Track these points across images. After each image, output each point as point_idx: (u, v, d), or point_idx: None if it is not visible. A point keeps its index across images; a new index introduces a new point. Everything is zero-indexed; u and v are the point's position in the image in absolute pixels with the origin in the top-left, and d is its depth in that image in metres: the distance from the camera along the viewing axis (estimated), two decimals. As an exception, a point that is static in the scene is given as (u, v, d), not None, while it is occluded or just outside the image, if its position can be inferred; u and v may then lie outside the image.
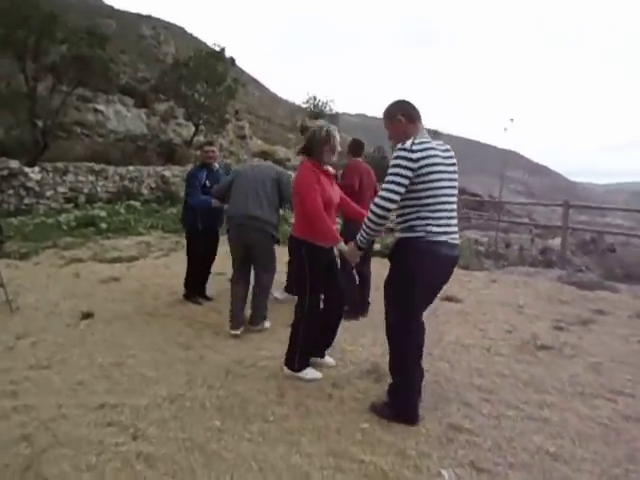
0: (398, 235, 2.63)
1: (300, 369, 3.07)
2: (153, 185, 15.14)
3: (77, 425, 2.50)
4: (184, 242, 8.84)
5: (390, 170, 2.50)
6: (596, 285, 6.00)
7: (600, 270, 7.10)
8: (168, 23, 49.45)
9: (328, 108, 24.57)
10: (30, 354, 3.48)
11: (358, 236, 2.69)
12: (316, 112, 24.50)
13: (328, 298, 3.18)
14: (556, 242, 13.44)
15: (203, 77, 16.94)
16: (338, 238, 2.95)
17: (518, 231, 15.48)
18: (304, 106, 26.19)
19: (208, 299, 5.02)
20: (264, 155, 20.92)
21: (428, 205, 2.50)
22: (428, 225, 2.49)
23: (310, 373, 3.09)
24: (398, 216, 2.61)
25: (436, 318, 4.53)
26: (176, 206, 13.99)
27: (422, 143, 2.47)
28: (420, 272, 2.52)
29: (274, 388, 2.94)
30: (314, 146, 3.05)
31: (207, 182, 4.69)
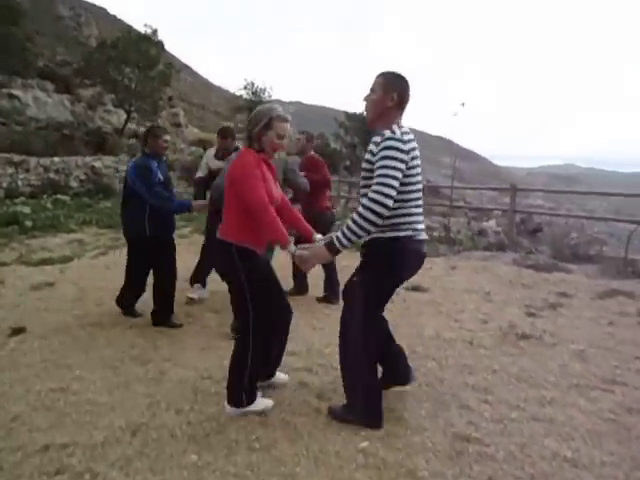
0: (378, 234, 2.29)
1: (249, 403, 2.47)
2: (83, 177, 13.98)
3: (16, 477, 2.02)
4: (124, 238, 8.17)
5: (384, 162, 2.18)
6: (552, 267, 6.09)
7: (550, 251, 7.26)
8: (88, 3, 46.10)
9: (267, 95, 23.87)
10: (-53, 385, 2.88)
11: (338, 237, 2.23)
12: (253, 99, 23.73)
13: (274, 313, 2.56)
14: (490, 224, 13.93)
15: (133, 61, 15.77)
16: (288, 238, 2.37)
17: (454, 214, 15.89)
18: (240, 92, 25.29)
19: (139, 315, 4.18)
20: (202, 144, 20.00)
21: (412, 200, 2.31)
22: (414, 223, 2.33)
23: (260, 404, 2.50)
24: None
25: (407, 310, 4.36)
26: (110, 199, 13.02)
27: (408, 133, 2.29)
28: (405, 273, 2.44)
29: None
30: (256, 131, 2.44)
31: (160, 177, 3.92)
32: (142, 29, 18.08)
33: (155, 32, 15.72)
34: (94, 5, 47.55)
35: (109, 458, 2.15)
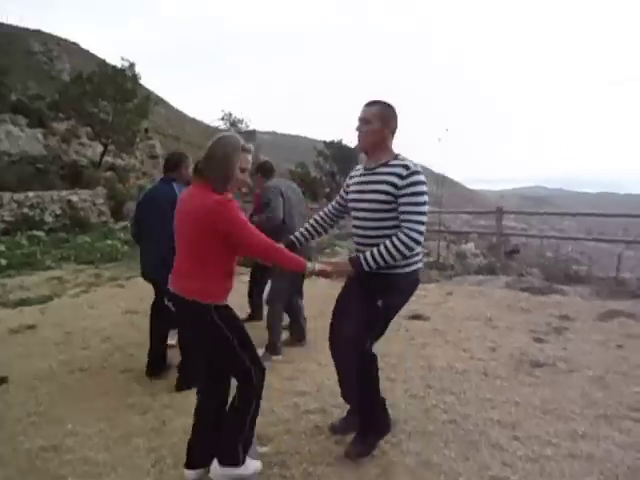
0: (398, 269, 2.28)
1: (244, 461, 2.17)
2: (58, 212, 13.54)
3: None
4: (105, 274, 7.84)
5: (418, 199, 2.21)
6: (546, 289, 6.07)
7: (542, 274, 7.26)
8: (60, 38, 46.06)
9: (245, 124, 23.98)
10: None
11: (366, 257, 2.21)
12: (231, 130, 23.81)
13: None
14: (469, 246, 14.06)
15: (109, 94, 15.60)
16: (304, 261, 2.23)
17: (432, 238, 16.03)
18: (217, 123, 25.36)
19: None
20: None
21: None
22: (419, 254, 2.37)
23: (251, 465, 2.20)
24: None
25: (412, 340, 4.22)
26: (87, 233, 12.63)
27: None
28: (405, 302, 2.44)
29: (271, 456, 2.37)
30: (223, 172, 2.09)
31: None
32: (116, 63, 18.10)
33: (132, 65, 15.67)
34: (66, 40, 47.53)
35: (116, 528, 1.91)
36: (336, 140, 21.40)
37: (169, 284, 2.18)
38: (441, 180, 8.13)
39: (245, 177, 2.19)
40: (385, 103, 2.34)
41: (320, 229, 2.62)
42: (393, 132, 2.35)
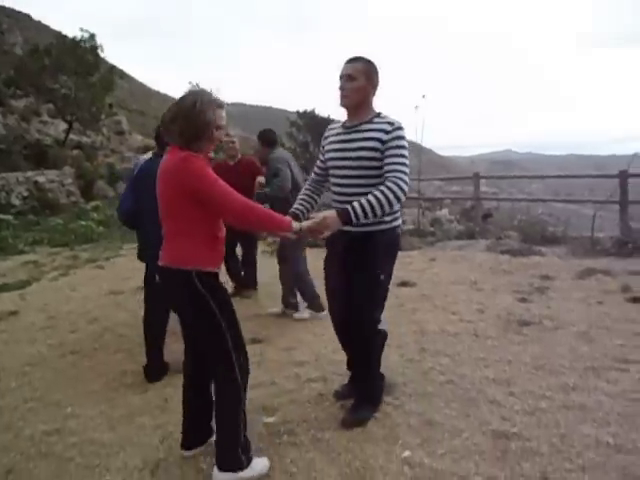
0: (381, 225, 2.30)
1: (249, 462, 2.01)
2: (25, 194, 13.04)
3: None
4: (83, 256, 7.72)
5: (401, 151, 2.22)
6: (526, 251, 6.24)
7: (519, 237, 7.44)
8: (10, 9, 43.31)
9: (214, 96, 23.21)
10: None
11: (355, 209, 2.10)
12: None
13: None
14: (443, 212, 14.28)
15: (70, 68, 14.84)
16: (288, 219, 2.10)
17: (407, 205, 16.21)
18: (185, 96, 24.44)
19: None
20: (150, 150, 19.24)
21: None
22: (399, 209, 2.42)
23: (258, 464, 2.03)
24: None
25: (402, 307, 4.30)
26: (58, 215, 12.24)
27: None
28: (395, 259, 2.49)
29: (279, 425, 2.41)
30: (195, 128, 1.92)
31: None
32: (75, 34, 17.12)
33: (92, 36, 14.88)
34: (17, 11, 44.74)
35: (134, 505, 1.93)
36: (309, 110, 21.04)
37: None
38: (419, 148, 8.14)
39: (221, 135, 2.04)
40: (367, 59, 2.31)
41: (311, 200, 2.58)
42: (375, 88, 2.34)
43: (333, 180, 2.40)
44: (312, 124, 20.41)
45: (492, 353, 3.14)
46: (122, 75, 21.16)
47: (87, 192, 15.15)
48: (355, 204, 2.12)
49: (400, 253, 6.94)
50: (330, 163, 2.40)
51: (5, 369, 3.36)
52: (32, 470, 2.20)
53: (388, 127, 2.22)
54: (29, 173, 13.56)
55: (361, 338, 2.43)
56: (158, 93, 54.11)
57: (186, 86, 25.52)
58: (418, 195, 9.82)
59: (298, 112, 20.85)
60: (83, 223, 10.39)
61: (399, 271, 5.49)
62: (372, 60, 2.32)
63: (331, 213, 2.13)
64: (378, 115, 2.30)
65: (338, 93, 2.31)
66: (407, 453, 2.13)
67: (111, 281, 5.88)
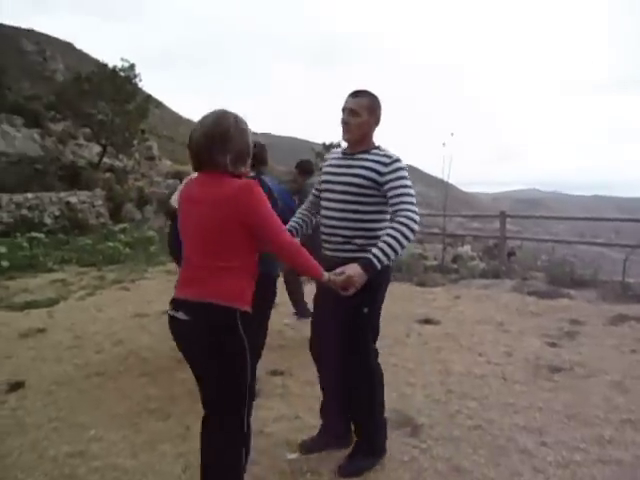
0: (360, 253, 2.18)
1: None
2: (57, 213, 13.47)
3: None
4: (109, 277, 7.77)
5: (405, 182, 2.20)
6: (553, 293, 6.10)
7: (546, 278, 7.30)
8: (54, 38, 45.79)
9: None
10: (-55, 454, 2.55)
11: (378, 256, 2.02)
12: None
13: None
14: (465, 249, 14.13)
15: (109, 95, 15.53)
16: (322, 270, 1.96)
17: (430, 241, 16.11)
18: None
19: None
20: (180, 176, 19.73)
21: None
22: None
23: None
24: (363, 234, 2.25)
25: (426, 345, 4.23)
26: (87, 235, 12.56)
27: None
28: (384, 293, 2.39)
29: (302, 462, 2.37)
30: (241, 149, 1.81)
31: None
32: (112, 63, 17.99)
33: (132, 66, 15.62)
34: (60, 40, 47.26)
35: (155, 536, 1.90)
36: (335, 142, 21.44)
37: (175, 292, 1.83)
38: (445, 184, 8.16)
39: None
40: (371, 93, 2.33)
41: (307, 218, 2.59)
42: (378, 123, 2.34)
43: (322, 203, 2.40)
44: (337, 156, 20.84)
45: (521, 399, 3.05)
46: (157, 104, 21.95)
47: (116, 214, 15.57)
48: (375, 250, 2.03)
49: (423, 289, 6.85)
50: (323, 186, 2.41)
51: (32, 387, 3.39)
52: (55, 493, 2.20)
53: (386, 160, 2.22)
54: (62, 194, 14.02)
55: (350, 379, 2.33)
56: (188, 121, 55.92)
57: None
58: (441, 231, 9.78)
59: (324, 144, 21.30)
60: (111, 244, 10.61)
61: (422, 307, 5.53)
62: (375, 94, 2.33)
63: (355, 270, 1.98)
64: (377, 147, 2.32)
65: (341, 126, 2.30)
66: (435, 500, 2.06)
67: (136, 303, 5.96)
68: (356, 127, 2.26)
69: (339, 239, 2.28)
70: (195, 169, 1.85)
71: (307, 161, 4.75)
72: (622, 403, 2.95)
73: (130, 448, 2.58)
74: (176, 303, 1.80)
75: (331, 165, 2.40)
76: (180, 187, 3.06)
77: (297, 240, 2.15)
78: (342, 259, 2.18)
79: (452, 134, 7.74)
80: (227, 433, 1.83)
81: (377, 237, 2.15)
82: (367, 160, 2.25)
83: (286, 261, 1.95)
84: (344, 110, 2.28)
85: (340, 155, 2.40)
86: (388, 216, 2.23)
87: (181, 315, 1.76)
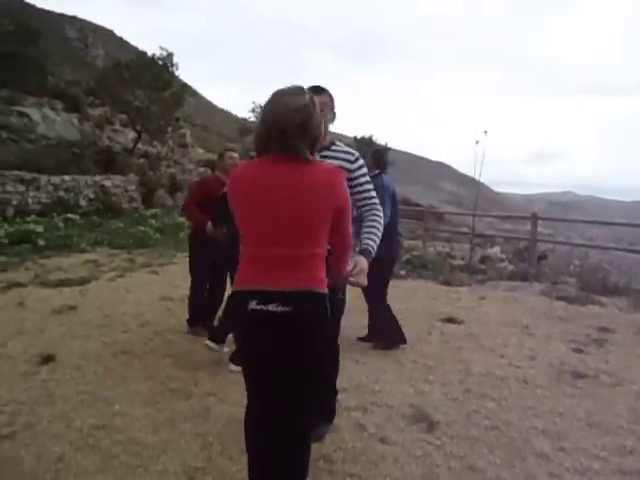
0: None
1: None
2: (92, 196, 13.90)
3: (73, 531, 1.84)
4: (139, 260, 8.03)
5: (368, 179, 2.37)
6: (584, 299, 5.95)
7: (578, 283, 7.12)
8: (95, 25, 46.90)
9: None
10: (-20, 418, 2.70)
11: (372, 245, 2.16)
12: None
13: None
14: (494, 250, 13.84)
15: (147, 82, 15.85)
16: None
17: (458, 240, 15.89)
18: (248, 115, 25.52)
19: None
20: (211, 164, 20.01)
21: None
22: None
23: None
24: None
25: (447, 344, 4.20)
26: (119, 218, 12.92)
27: None
28: None
29: (314, 449, 2.40)
30: (319, 133, 1.72)
31: None
32: (150, 50, 18.32)
33: (170, 55, 15.90)
34: (101, 27, 48.38)
35: (171, 510, 1.97)
36: (367, 136, 21.30)
37: (254, 284, 1.66)
38: (476, 183, 8.02)
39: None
40: (328, 91, 2.35)
41: None
42: (334, 119, 2.39)
43: None
44: (365, 149, 20.65)
45: (542, 403, 3.00)
46: (193, 93, 22.26)
47: (148, 199, 15.94)
48: (370, 242, 2.16)
49: (448, 288, 6.83)
50: None
51: (62, 361, 3.54)
52: (80, 461, 2.30)
53: (351, 157, 2.33)
54: (97, 177, 14.44)
55: None
56: (222, 111, 56.55)
57: (249, 105, 26.56)
58: (470, 230, 9.64)
59: (355, 138, 21.17)
60: (141, 228, 10.90)
61: (446, 306, 5.49)
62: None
63: (365, 263, 2.00)
64: (333, 143, 2.35)
65: None
66: (446, 495, 2.06)
67: (163, 287, 6.11)
68: (324, 124, 2.15)
69: None
70: (264, 152, 1.68)
71: (383, 150, 4.28)
72: (648, 414, 2.87)
73: (152, 425, 2.66)
74: (263, 295, 1.62)
75: None
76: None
77: None
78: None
79: (485, 132, 7.58)
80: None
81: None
82: (333, 158, 2.27)
83: (338, 256, 1.86)
84: None
85: None
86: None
87: (276, 307, 1.61)
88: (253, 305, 1.62)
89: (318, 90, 2.21)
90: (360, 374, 3.41)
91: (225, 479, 2.17)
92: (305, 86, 1.78)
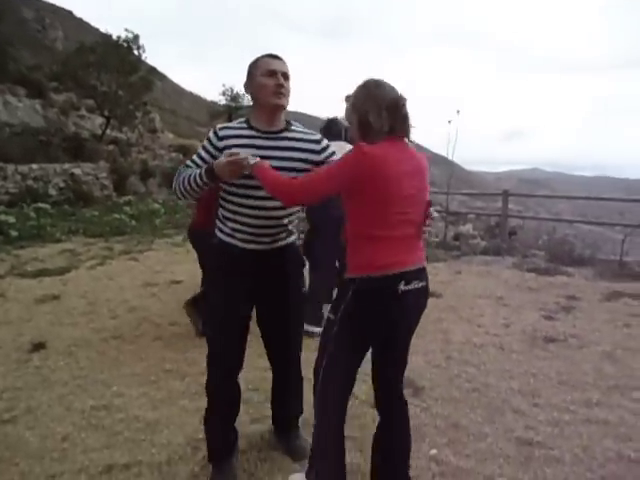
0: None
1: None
2: (62, 185, 13.55)
3: (88, 501, 1.95)
4: (117, 248, 7.95)
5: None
6: (552, 270, 6.26)
7: (546, 256, 7.45)
8: (53, 6, 44.92)
9: (246, 100, 23.73)
10: (-21, 405, 2.74)
11: None
12: (232, 105, 23.59)
13: None
14: (467, 227, 14.24)
15: (113, 66, 15.40)
16: None
17: (436, 219, 16.23)
18: (217, 98, 25.12)
19: None
20: (184, 150, 19.72)
21: None
22: None
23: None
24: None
25: (428, 316, 4.37)
26: (91, 207, 12.69)
27: None
28: None
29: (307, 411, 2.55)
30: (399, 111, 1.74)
31: None
32: (119, 33, 17.74)
33: (136, 37, 15.45)
34: (59, 8, 46.35)
35: (180, 476, 2.09)
36: (338, 116, 21.36)
37: (398, 266, 1.67)
38: (448, 163, 8.23)
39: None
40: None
41: None
42: None
43: (246, 202, 1.92)
44: (336, 131, 20.71)
45: (517, 366, 3.23)
46: (161, 77, 21.74)
47: (120, 187, 15.64)
48: None
49: (426, 264, 7.03)
50: (243, 181, 1.88)
51: (53, 347, 3.58)
52: (84, 439, 2.39)
53: (315, 137, 2.01)
54: (66, 165, 14.08)
55: None
56: (191, 94, 55.26)
57: (219, 88, 26.16)
58: (443, 209, 9.88)
59: (328, 118, 21.21)
60: (117, 216, 10.75)
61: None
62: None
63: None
64: (289, 122, 2.01)
65: (271, 90, 1.88)
66: (434, 451, 2.25)
67: (145, 273, 6.13)
68: (288, 93, 1.93)
69: (278, 230, 2.03)
70: (373, 135, 1.68)
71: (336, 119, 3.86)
72: (611, 371, 3.13)
73: (151, 403, 2.76)
74: (408, 275, 1.67)
75: (244, 146, 1.89)
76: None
77: None
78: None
79: (458, 112, 7.74)
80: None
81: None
82: (297, 140, 1.95)
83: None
84: (274, 73, 1.88)
85: (254, 133, 1.93)
86: None
87: (418, 284, 1.71)
88: (402, 287, 1.65)
89: (277, 56, 1.94)
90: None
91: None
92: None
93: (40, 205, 11.42)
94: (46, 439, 2.39)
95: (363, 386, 2.88)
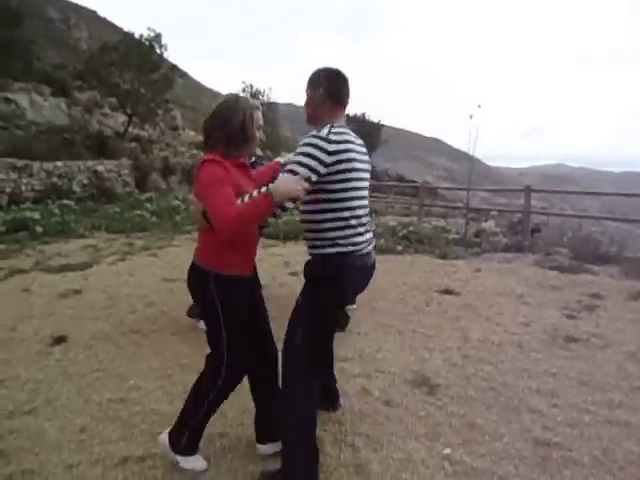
0: (316, 250, 2.05)
1: (186, 453, 2.14)
2: (85, 181, 13.85)
3: (103, 492, 1.98)
4: (137, 244, 7.99)
5: (296, 158, 1.91)
6: (576, 268, 6.12)
7: (570, 253, 7.28)
8: (77, 5, 45.74)
9: (266, 96, 23.82)
10: (1, 397, 2.82)
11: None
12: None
13: (257, 351, 2.28)
14: (488, 224, 13.99)
15: (135, 65, 15.62)
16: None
17: (452, 215, 16.07)
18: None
19: None
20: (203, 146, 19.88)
21: (346, 210, 1.98)
22: (352, 236, 2.02)
23: (191, 461, 2.14)
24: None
25: (445, 314, 4.35)
26: (114, 203, 12.93)
27: (343, 133, 1.96)
28: (348, 290, 2.14)
29: (323, 413, 2.55)
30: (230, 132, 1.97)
31: None
32: (135, 31, 18.00)
33: (158, 36, 15.63)
34: (83, 7, 47.18)
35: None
36: (359, 114, 21.20)
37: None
38: (470, 158, 8.10)
39: (260, 135, 2.06)
40: (320, 69, 2.12)
41: None
42: (332, 101, 2.09)
43: (355, 193, 2.01)
44: (362, 130, 20.57)
45: (536, 365, 3.16)
46: (182, 74, 21.98)
47: (142, 183, 15.89)
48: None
49: (444, 262, 6.98)
50: (355, 174, 1.99)
51: (74, 341, 3.65)
52: (102, 431, 2.44)
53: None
54: (90, 162, 14.37)
55: None
56: (211, 91, 55.75)
57: (239, 85, 26.30)
58: (464, 205, 9.76)
59: (348, 115, 21.10)
60: (138, 212, 10.92)
61: (442, 279, 5.63)
62: (327, 69, 2.09)
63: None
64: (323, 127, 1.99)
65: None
66: (448, 450, 2.22)
67: (164, 269, 6.20)
68: (306, 104, 2.11)
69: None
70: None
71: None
72: (635, 372, 3.04)
73: (167, 396, 2.80)
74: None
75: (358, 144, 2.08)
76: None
77: None
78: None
79: (479, 106, 7.61)
80: (209, 373, 2.33)
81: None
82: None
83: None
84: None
85: (354, 136, 2.09)
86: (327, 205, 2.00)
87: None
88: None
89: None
90: (362, 344, 3.55)
91: (241, 442, 2.32)
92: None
93: (65, 202, 11.68)
94: (64, 430, 2.44)
95: (378, 383, 2.88)
